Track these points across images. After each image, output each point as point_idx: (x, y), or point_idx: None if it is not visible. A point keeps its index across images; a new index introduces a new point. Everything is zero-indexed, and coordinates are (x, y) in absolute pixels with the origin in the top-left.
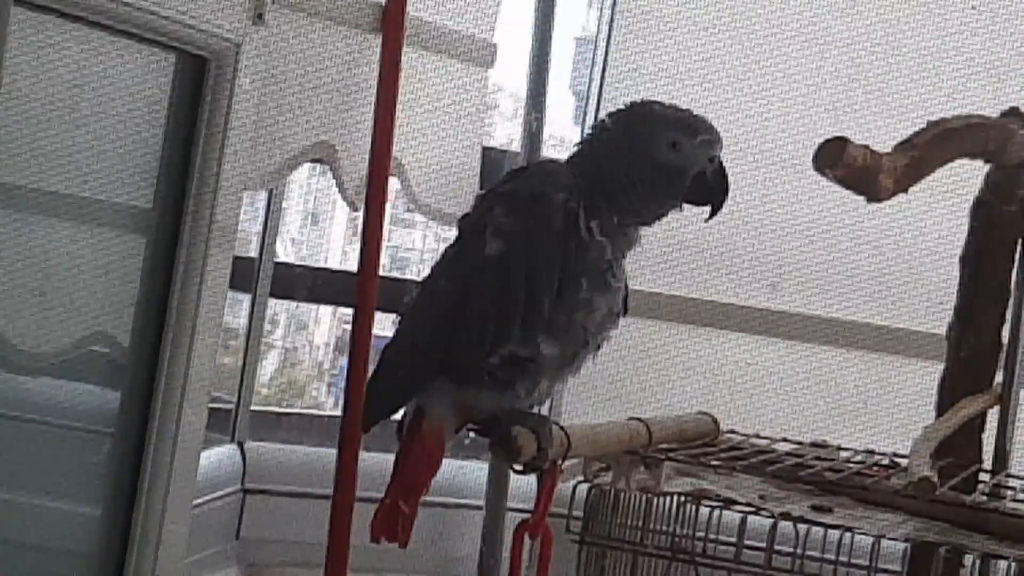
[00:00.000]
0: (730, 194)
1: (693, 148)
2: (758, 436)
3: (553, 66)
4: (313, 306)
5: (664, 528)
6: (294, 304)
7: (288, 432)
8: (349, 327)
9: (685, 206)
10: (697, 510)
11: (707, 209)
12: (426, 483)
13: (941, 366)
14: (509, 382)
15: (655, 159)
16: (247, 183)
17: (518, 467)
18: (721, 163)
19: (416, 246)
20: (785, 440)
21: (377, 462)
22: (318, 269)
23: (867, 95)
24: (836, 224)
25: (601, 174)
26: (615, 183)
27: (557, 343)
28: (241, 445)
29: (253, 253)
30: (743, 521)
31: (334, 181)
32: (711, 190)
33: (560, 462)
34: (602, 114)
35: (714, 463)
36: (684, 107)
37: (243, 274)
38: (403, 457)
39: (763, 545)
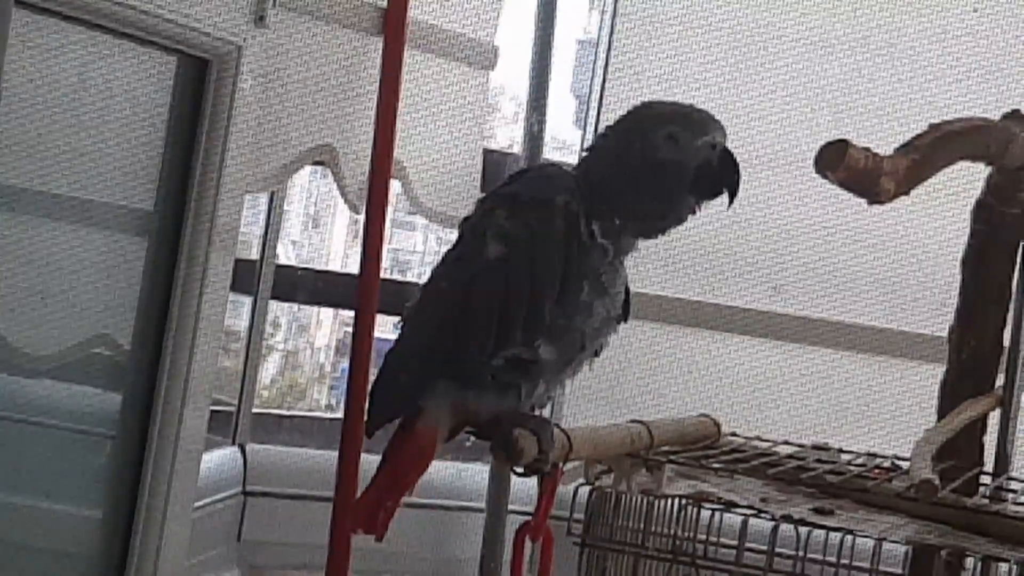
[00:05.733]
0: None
1: (692, 139)
2: (759, 439)
3: (554, 69)
4: (314, 309)
5: (665, 531)
6: (295, 307)
7: (289, 434)
8: (350, 330)
9: (703, 205)
10: (698, 513)
11: (721, 203)
12: (412, 481)
13: (942, 369)
14: (511, 384)
15: (655, 156)
16: (248, 185)
17: (519, 469)
18: (725, 147)
19: (417, 248)
20: (786, 443)
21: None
22: (319, 271)
23: (868, 98)
24: (838, 227)
25: (606, 180)
26: (620, 188)
27: (554, 346)
28: (242, 448)
29: (254, 255)
30: (744, 524)
31: (335, 183)
32: (720, 177)
33: (561, 464)
34: (603, 117)
35: (715, 466)
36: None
37: (244, 276)
38: (392, 451)
39: (764, 548)
